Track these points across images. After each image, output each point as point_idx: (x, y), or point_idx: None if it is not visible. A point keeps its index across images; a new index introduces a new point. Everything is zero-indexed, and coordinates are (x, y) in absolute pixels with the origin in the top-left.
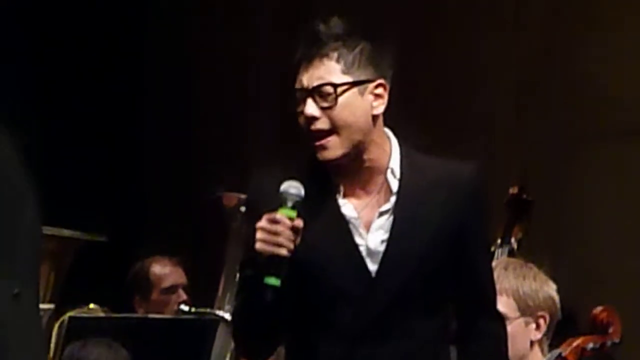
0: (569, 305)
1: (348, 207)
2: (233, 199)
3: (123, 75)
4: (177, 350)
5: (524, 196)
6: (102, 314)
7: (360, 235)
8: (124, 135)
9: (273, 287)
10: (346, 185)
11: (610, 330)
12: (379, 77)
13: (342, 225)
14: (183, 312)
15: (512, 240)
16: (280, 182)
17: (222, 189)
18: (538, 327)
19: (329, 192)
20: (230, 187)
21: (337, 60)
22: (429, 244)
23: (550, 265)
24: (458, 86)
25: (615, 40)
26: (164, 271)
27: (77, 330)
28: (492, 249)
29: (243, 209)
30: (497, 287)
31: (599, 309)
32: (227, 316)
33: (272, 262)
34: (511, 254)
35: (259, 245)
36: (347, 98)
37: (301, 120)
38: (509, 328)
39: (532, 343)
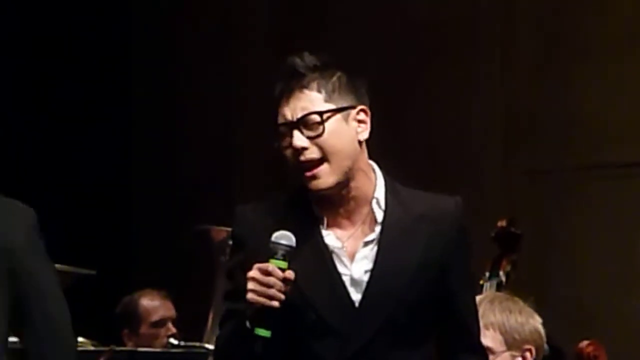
0: (556, 340)
1: (331, 237)
2: (221, 232)
3: (111, 111)
4: None
5: (512, 229)
6: (91, 348)
7: (344, 265)
8: (113, 170)
9: (263, 337)
10: (330, 216)
11: None
12: (360, 104)
13: (326, 255)
14: (172, 345)
15: (501, 273)
16: (264, 215)
17: (210, 223)
18: None
19: (312, 222)
20: (218, 221)
21: (318, 90)
22: (413, 275)
23: (539, 300)
24: (446, 120)
25: (604, 76)
26: (153, 304)
27: None
28: (481, 282)
29: (231, 242)
30: (484, 321)
31: (585, 342)
32: None
33: (262, 314)
34: (499, 287)
35: (250, 296)
36: (333, 125)
37: (288, 153)
38: None
39: None
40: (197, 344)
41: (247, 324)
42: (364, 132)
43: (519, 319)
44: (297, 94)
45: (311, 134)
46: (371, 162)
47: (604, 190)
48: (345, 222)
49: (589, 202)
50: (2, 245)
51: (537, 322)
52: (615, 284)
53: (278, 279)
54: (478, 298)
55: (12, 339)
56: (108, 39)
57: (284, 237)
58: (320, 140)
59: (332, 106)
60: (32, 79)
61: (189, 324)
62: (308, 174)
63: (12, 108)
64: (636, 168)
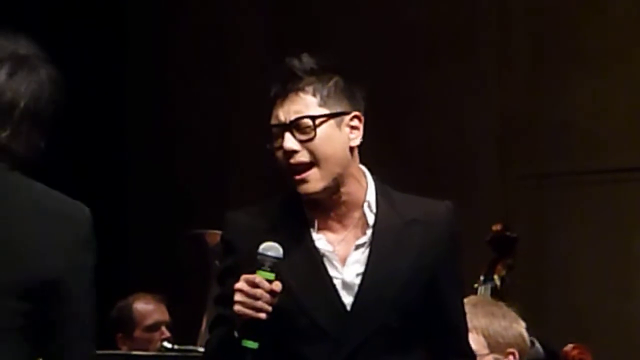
0: (551, 344)
1: (322, 241)
2: (215, 236)
3: (106, 113)
4: None
5: (508, 233)
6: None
7: (335, 268)
8: (108, 174)
9: (252, 349)
10: (321, 220)
11: None
12: (354, 110)
13: (317, 259)
14: (166, 349)
15: (495, 277)
16: (255, 220)
17: (205, 227)
18: None
19: (304, 226)
20: (213, 225)
21: (313, 94)
22: (405, 279)
23: (533, 305)
24: (441, 125)
25: (599, 82)
26: (147, 308)
27: None
28: (475, 285)
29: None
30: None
31: (570, 346)
32: None
33: (250, 326)
34: (494, 291)
35: (237, 308)
36: (325, 130)
37: (279, 155)
38: None
39: None
40: (191, 347)
41: (235, 334)
42: (356, 139)
43: (503, 323)
44: (292, 97)
45: (303, 137)
46: (362, 166)
47: (599, 195)
48: (336, 225)
49: (584, 207)
50: (40, 272)
51: (520, 326)
52: (610, 288)
53: (265, 291)
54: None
55: None
56: (103, 41)
57: (272, 249)
58: (311, 144)
59: (325, 111)
60: None
61: (183, 328)
62: (297, 177)
63: None
64: (631, 173)
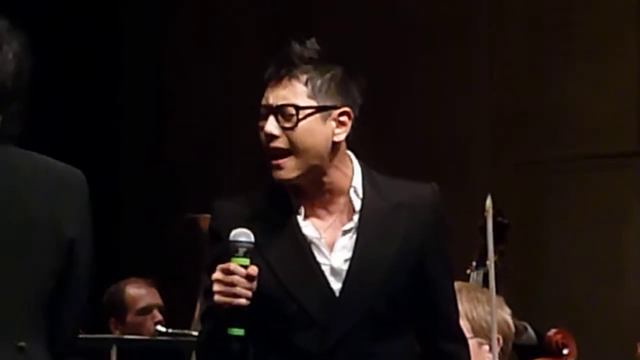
0: (543, 330)
1: (309, 227)
2: (208, 220)
3: (99, 101)
4: None
5: (500, 219)
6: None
7: (323, 254)
8: (100, 159)
9: (238, 337)
10: (307, 206)
11: (566, 351)
12: (346, 105)
13: (304, 245)
14: (160, 332)
15: (487, 263)
16: (242, 209)
17: (197, 211)
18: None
19: (290, 214)
20: (206, 209)
21: (305, 84)
22: (393, 263)
23: (525, 291)
24: (434, 114)
25: (591, 70)
26: (139, 292)
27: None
28: (467, 271)
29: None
30: None
31: (553, 331)
32: None
33: (233, 313)
34: (486, 277)
35: (217, 298)
36: (309, 122)
37: (262, 135)
38: None
39: None
40: (185, 331)
41: (220, 324)
42: (342, 134)
43: (487, 308)
44: (284, 82)
45: (285, 124)
46: (348, 151)
47: (591, 182)
48: (322, 212)
49: (576, 194)
50: (59, 236)
51: (505, 312)
52: (602, 275)
53: (241, 276)
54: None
55: None
56: (97, 34)
57: (242, 234)
58: (291, 133)
59: (313, 103)
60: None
61: (176, 312)
62: (274, 162)
63: None
64: (623, 160)
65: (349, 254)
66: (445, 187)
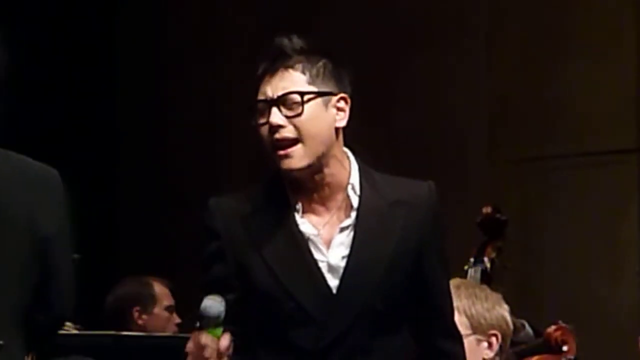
0: (540, 326)
1: (306, 224)
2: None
3: (97, 98)
4: None
5: (498, 215)
6: (75, 332)
7: (320, 251)
8: (99, 154)
9: None
10: (305, 203)
11: (565, 348)
12: (341, 91)
13: (301, 242)
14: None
15: (485, 259)
16: (238, 206)
17: (196, 207)
18: (490, 345)
19: (287, 210)
20: (204, 205)
21: (302, 72)
22: (390, 260)
23: (523, 287)
24: (431, 108)
25: (589, 65)
26: (165, 291)
27: (50, 347)
28: (465, 267)
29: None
30: None
31: (552, 327)
32: None
33: None
34: (484, 273)
35: None
36: (313, 108)
37: (264, 131)
38: None
39: None
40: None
41: None
42: (342, 120)
43: (485, 305)
44: (281, 73)
45: (290, 113)
46: (346, 149)
47: (587, 178)
48: (320, 208)
49: (572, 190)
50: (35, 234)
51: (504, 309)
52: (600, 273)
53: (214, 350)
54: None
55: None
56: (96, 33)
57: (212, 308)
58: (297, 120)
59: (314, 89)
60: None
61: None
62: (281, 152)
63: None
64: (620, 155)
65: (346, 251)
66: (443, 184)
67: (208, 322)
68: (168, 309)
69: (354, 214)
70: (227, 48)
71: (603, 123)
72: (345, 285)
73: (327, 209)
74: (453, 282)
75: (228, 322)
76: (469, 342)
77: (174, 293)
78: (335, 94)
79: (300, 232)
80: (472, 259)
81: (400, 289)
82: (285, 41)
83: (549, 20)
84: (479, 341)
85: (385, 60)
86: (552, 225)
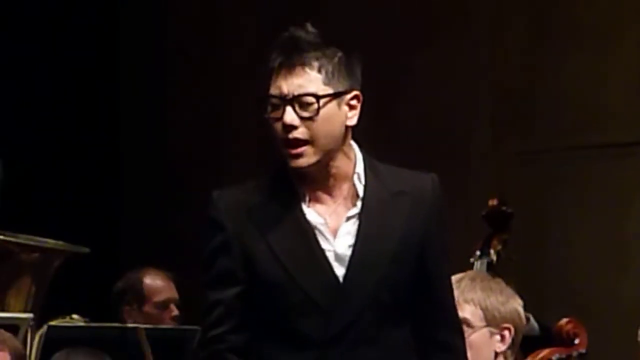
0: (547, 320)
1: (313, 213)
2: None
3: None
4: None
5: (504, 208)
6: (82, 324)
7: (327, 240)
8: (102, 148)
9: None
10: (311, 192)
11: (577, 341)
12: (354, 89)
13: (308, 231)
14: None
15: (491, 252)
16: (243, 197)
17: (200, 201)
18: (503, 338)
19: (294, 199)
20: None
21: (319, 70)
22: (395, 251)
23: (529, 280)
24: (436, 101)
25: (595, 58)
26: (158, 285)
27: (56, 340)
28: (471, 260)
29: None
30: (464, 296)
31: (564, 320)
32: None
33: None
34: (490, 266)
35: None
36: (328, 110)
37: (278, 127)
38: (474, 336)
39: (496, 355)
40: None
41: None
42: (354, 118)
43: (500, 298)
44: (298, 70)
45: (305, 114)
46: (351, 141)
47: (594, 171)
48: (326, 198)
49: (579, 184)
50: None
51: (517, 304)
52: (605, 266)
53: None
54: (458, 276)
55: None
56: (97, 32)
57: None
58: (311, 123)
59: (329, 90)
60: (21, 56)
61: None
62: (292, 151)
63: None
64: (627, 149)
65: (352, 240)
66: (447, 176)
67: None
68: (161, 304)
69: (359, 203)
70: (227, 48)
71: (608, 116)
72: (351, 274)
73: (333, 198)
74: (468, 274)
75: (234, 315)
76: (482, 334)
77: (178, 286)
78: (349, 92)
79: (307, 221)
80: (478, 252)
81: (406, 280)
82: (302, 33)
83: (553, 12)
84: (492, 334)
85: (389, 55)
86: (558, 218)
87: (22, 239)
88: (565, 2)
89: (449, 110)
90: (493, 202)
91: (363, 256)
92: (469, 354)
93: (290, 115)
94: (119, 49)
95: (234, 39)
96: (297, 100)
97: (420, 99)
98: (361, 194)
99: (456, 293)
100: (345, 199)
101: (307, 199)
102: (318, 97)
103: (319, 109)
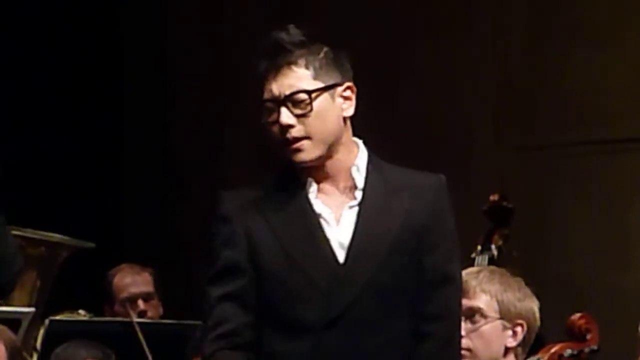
0: (547, 316)
1: (319, 204)
2: None
3: (102, 87)
4: (159, 354)
5: (505, 203)
6: (84, 319)
7: (331, 229)
8: (104, 145)
9: None
10: (317, 185)
11: (588, 337)
12: (345, 80)
13: (314, 220)
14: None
15: (492, 247)
16: (252, 192)
17: (200, 199)
18: (515, 334)
19: (300, 192)
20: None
21: (306, 67)
22: (394, 238)
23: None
24: (437, 96)
25: (598, 53)
26: (124, 282)
27: (58, 334)
28: (472, 255)
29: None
30: (481, 286)
31: (577, 315)
32: None
33: None
34: (491, 261)
35: None
36: (321, 104)
37: (275, 129)
38: (486, 327)
39: (507, 350)
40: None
41: None
42: (349, 109)
43: (517, 294)
44: (285, 71)
45: (299, 112)
46: (356, 139)
47: (596, 167)
48: (331, 189)
49: (581, 179)
50: None
51: (534, 303)
52: (607, 259)
53: None
54: (476, 268)
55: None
56: (99, 30)
57: None
58: (306, 119)
59: (319, 84)
60: (23, 54)
61: (177, 300)
62: (292, 146)
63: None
64: (629, 144)
65: (352, 227)
66: (449, 171)
67: None
68: (124, 302)
69: (359, 194)
70: (227, 48)
71: (611, 110)
72: (352, 256)
73: (338, 190)
74: (488, 268)
75: (240, 311)
76: (494, 326)
77: (166, 279)
78: (341, 84)
79: (314, 212)
80: (479, 247)
81: (405, 269)
82: (284, 35)
83: (557, 5)
84: (504, 328)
85: (391, 46)
86: (559, 213)
87: (29, 232)
88: None
89: (450, 106)
90: (494, 197)
91: (363, 241)
92: (478, 344)
93: (285, 115)
94: (119, 48)
95: (234, 39)
96: (289, 100)
97: (421, 96)
98: (360, 185)
99: (474, 283)
100: (346, 189)
101: (314, 190)
102: (309, 93)
103: (311, 104)
